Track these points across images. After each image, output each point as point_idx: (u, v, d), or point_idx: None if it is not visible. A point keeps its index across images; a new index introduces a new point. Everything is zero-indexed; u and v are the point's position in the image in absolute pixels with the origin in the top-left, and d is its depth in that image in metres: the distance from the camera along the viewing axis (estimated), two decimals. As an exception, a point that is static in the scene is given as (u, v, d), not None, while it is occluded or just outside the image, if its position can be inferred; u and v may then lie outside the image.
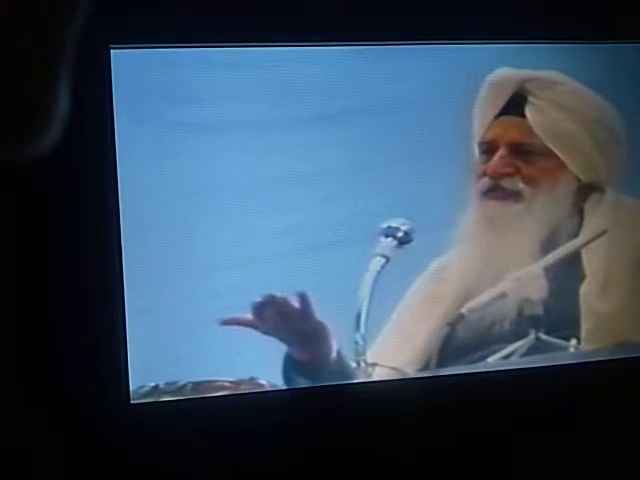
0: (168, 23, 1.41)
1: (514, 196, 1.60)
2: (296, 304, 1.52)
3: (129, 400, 1.47)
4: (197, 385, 1.51)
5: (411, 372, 1.58)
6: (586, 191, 1.63)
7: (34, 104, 0.44)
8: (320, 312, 1.53)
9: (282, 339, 1.52)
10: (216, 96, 1.48)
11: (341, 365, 1.54)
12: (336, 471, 1.54)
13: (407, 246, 1.56)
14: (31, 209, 1.40)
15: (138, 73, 1.44)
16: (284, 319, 1.52)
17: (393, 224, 1.56)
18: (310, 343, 1.53)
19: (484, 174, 1.59)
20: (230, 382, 1.52)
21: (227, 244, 1.49)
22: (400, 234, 1.56)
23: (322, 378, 1.54)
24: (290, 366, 1.53)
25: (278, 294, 1.51)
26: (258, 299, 1.50)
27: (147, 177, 1.45)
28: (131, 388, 1.47)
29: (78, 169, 1.40)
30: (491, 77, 1.59)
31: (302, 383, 1.53)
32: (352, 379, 1.55)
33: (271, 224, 1.50)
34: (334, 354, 1.54)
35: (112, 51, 1.43)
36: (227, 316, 1.49)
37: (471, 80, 1.58)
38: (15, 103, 0.43)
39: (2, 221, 1.37)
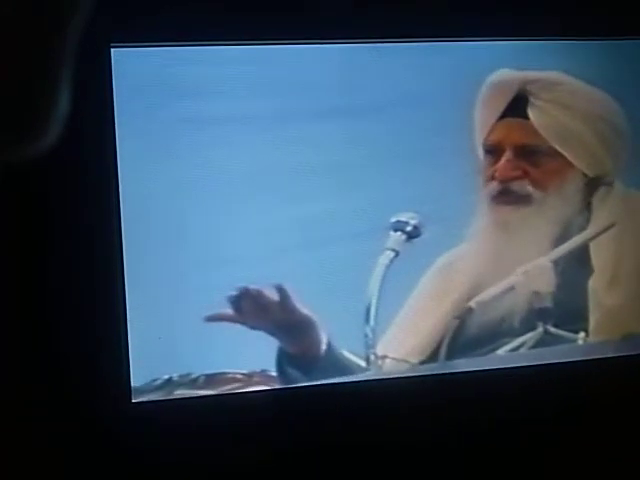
0: (169, 21, 1.40)
1: (524, 199, 1.60)
2: (273, 296, 1.52)
3: (130, 399, 1.48)
4: (210, 377, 1.51)
5: (420, 365, 1.58)
6: (593, 185, 1.63)
7: (34, 104, 0.44)
8: (328, 305, 1.53)
9: (268, 332, 1.52)
10: (219, 92, 1.48)
11: (333, 358, 1.55)
12: (341, 468, 1.55)
13: (416, 240, 1.57)
14: (31, 209, 1.40)
15: (139, 71, 1.44)
16: (263, 311, 1.51)
17: (402, 218, 1.56)
18: (296, 336, 1.53)
19: (492, 178, 1.60)
20: (242, 374, 1.53)
21: (234, 239, 1.50)
22: (409, 228, 1.56)
23: (315, 371, 1.54)
24: (283, 359, 1.53)
25: (252, 286, 1.51)
26: (235, 292, 1.50)
27: (148, 174, 1.46)
28: (142, 382, 1.48)
29: (79, 168, 1.40)
30: (492, 78, 1.58)
31: (295, 375, 1.54)
32: (346, 372, 1.55)
33: (278, 218, 1.51)
34: (324, 346, 1.54)
35: (112, 50, 1.43)
36: (210, 313, 1.49)
37: (472, 80, 1.57)
38: (15, 103, 0.43)
39: (2, 221, 1.37)
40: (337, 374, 1.55)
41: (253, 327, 1.52)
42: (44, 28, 0.43)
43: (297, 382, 1.54)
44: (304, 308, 1.53)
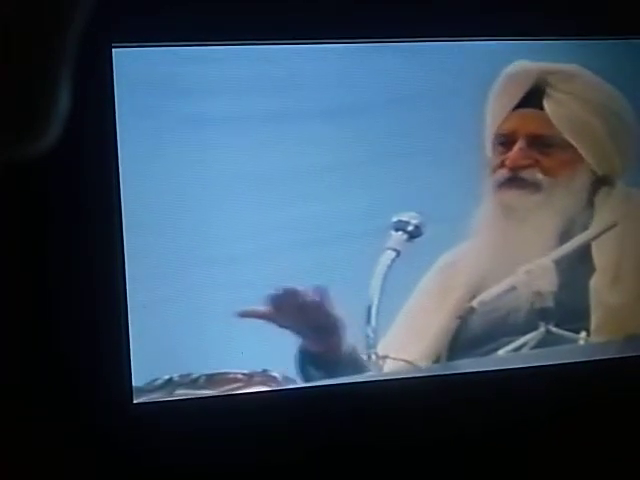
0: (169, 21, 1.40)
1: (533, 186, 1.60)
2: (315, 297, 1.52)
3: (132, 400, 1.48)
4: (210, 377, 1.51)
5: (422, 365, 1.58)
6: (598, 184, 1.64)
7: (35, 104, 0.44)
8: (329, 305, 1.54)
9: (298, 332, 1.53)
10: (221, 92, 1.48)
11: (355, 358, 1.55)
12: (342, 468, 1.54)
13: (417, 240, 1.57)
14: (31, 208, 1.40)
15: (140, 71, 1.44)
16: (302, 312, 1.52)
17: (403, 218, 1.57)
18: (326, 336, 1.54)
19: (502, 165, 1.60)
20: (243, 374, 1.53)
21: (235, 238, 1.50)
22: (410, 228, 1.57)
23: (337, 371, 1.55)
24: (305, 358, 1.53)
25: (298, 287, 1.52)
26: (276, 291, 1.51)
27: (149, 173, 1.46)
28: (143, 382, 1.48)
29: (79, 168, 1.40)
30: (509, 69, 1.59)
31: (317, 375, 1.54)
32: (364, 372, 1.56)
33: (280, 217, 1.51)
34: (348, 347, 1.55)
35: (114, 50, 1.43)
36: (243, 308, 1.50)
37: (488, 73, 1.57)
38: (15, 103, 0.43)
39: (2, 221, 1.37)
40: (355, 373, 1.55)
41: (282, 326, 1.52)
42: (44, 28, 0.43)
43: (317, 380, 1.55)
44: (337, 308, 1.53)
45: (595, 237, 1.64)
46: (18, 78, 0.43)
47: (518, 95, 1.60)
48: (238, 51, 1.49)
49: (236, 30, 1.45)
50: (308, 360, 1.54)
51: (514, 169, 1.59)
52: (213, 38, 1.47)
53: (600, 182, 1.64)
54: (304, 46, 1.52)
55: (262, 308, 1.51)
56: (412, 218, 1.57)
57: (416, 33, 1.55)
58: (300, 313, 1.52)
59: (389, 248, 1.56)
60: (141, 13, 1.38)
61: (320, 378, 1.55)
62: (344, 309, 1.54)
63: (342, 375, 1.55)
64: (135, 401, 1.48)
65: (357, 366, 1.56)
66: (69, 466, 1.43)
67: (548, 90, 1.60)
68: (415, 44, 1.57)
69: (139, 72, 1.45)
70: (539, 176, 1.60)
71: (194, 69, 1.47)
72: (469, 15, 1.53)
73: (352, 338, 1.55)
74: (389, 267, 1.56)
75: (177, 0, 1.43)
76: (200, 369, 1.51)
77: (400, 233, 1.56)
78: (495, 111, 1.59)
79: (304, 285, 1.53)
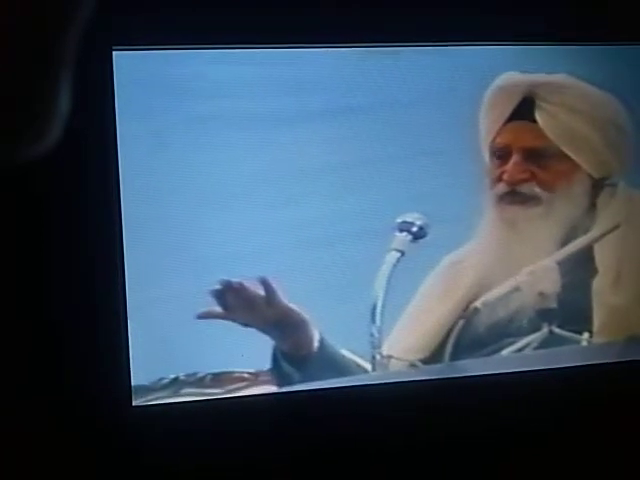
0: (170, 24, 1.41)
1: (532, 200, 1.60)
2: (259, 290, 1.52)
3: (131, 402, 1.48)
4: (216, 376, 1.52)
5: (425, 365, 1.59)
6: (598, 186, 1.64)
7: (34, 105, 0.44)
8: (333, 305, 1.54)
9: (259, 328, 1.52)
10: (221, 94, 1.48)
11: (328, 356, 1.54)
12: (345, 471, 1.55)
13: (422, 241, 1.57)
14: (32, 208, 1.41)
15: (141, 74, 1.45)
16: (249, 306, 1.51)
17: (408, 219, 1.57)
18: (286, 332, 1.53)
19: (500, 179, 1.60)
20: (249, 373, 1.53)
21: (238, 237, 1.50)
22: (415, 229, 1.57)
23: (309, 367, 1.54)
24: (278, 354, 1.53)
25: (235, 280, 1.50)
26: (219, 287, 1.49)
27: (150, 175, 1.46)
28: (145, 382, 1.49)
29: (80, 170, 1.40)
30: (499, 81, 1.59)
31: (289, 371, 1.54)
32: (344, 372, 1.55)
33: (284, 217, 1.51)
34: (316, 344, 1.54)
35: (114, 52, 1.43)
36: (201, 310, 1.49)
37: (479, 82, 1.58)
38: (15, 104, 0.44)
39: (2, 221, 1.38)
40: (333, 373, 1.55)
41: (244, 324, 1.51)
42: (45, 28, 0.43)
43: (292, 380, 1.54)
44: (292, 304, 1.53)
45: (598, 239, 1.64)
46: (18, 79, 0.44)
47: (509, 107, 1.60)
48: (238, 53, 1.49)
49: (236, 33, 1.46)
50: (281, 357, 1.53)
51: (512, 184, 1.60)
52: (213, 41, 1.47)
53: (601, 185, 1.64)
54: (305, 49, 1.52)
55: (215, 308, 1.50)
56: (416, 219, 1.57)
57: (421, 37, 1.56)
58: (247, 307, 1.51)
59: (394, 249, 1.56)
60: (141, 15, 1.38)
61: (294, 378, 1.54)
62: (348, 309, 1.54)
63: (317, 376, 1.55)
64: (134, 403, 1.48)
65: (331, 366, 1.55)
66: (68, 469, 1.43)
67: (538, 102, 1.60)
68: (417, 48, 1.57)
69: (139, 74, 1.45)
70: (537, 190, 1.60)
71: (194, 71, 1.47)
72: (466, 20, 1.53)
73: (321, 336, 1.54)
74: (394, 267, 1.56)
75: (177, 2, 1.43)
76: (202, 369, 1.51)
77: (405, 234, 1.57)
78: (489, 123, 1.60)
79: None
